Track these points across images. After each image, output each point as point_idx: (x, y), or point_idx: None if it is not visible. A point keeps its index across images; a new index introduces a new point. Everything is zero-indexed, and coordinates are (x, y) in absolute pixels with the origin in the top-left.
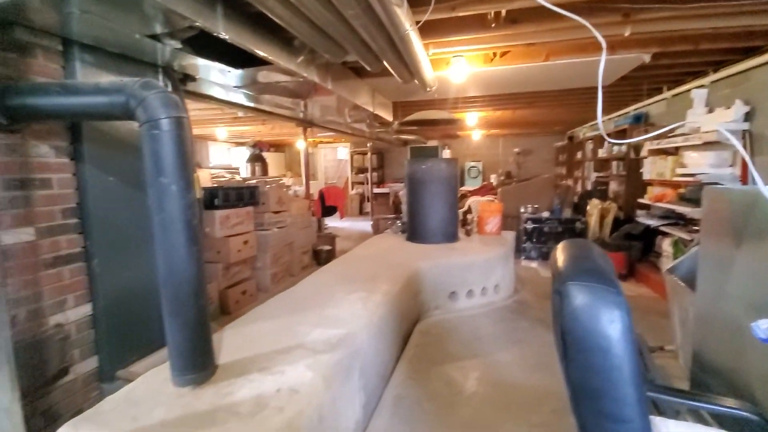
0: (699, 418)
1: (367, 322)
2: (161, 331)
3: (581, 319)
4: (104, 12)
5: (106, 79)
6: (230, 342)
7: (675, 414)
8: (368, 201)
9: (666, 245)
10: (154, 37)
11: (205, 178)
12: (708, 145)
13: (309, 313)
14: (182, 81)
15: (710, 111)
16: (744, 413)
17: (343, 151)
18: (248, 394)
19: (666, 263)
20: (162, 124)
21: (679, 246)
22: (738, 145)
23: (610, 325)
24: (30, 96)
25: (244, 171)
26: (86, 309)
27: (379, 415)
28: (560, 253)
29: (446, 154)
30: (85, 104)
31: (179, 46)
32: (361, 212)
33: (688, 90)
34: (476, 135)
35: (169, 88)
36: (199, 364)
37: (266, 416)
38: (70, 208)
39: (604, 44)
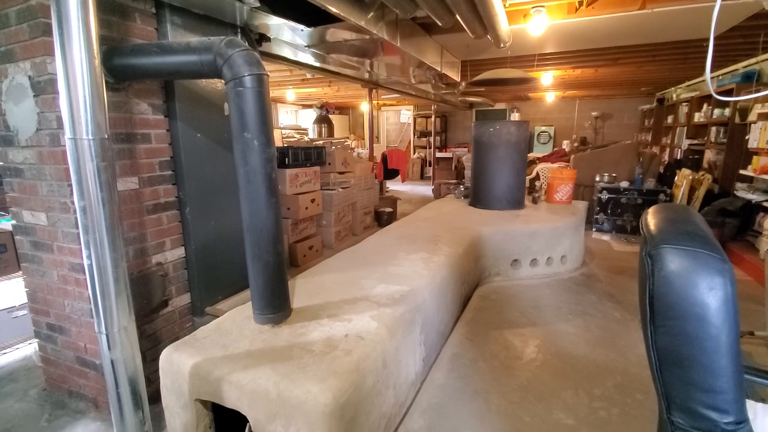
0: None
1: (428, 281)
2: (242, 275)
3: (675, 284)
4: None
5: (194, 39)
6: (302, 290)
7: (760, 400)
8: (430, 165)
9: None
10: None
11: (276, 137)
12: None
13: (373, 270)
14: (257, 42)
15: None
16: None
17: (406, 114)
18: (319, 336)
19: (767, 243)
20: (245, 81)
21: None
22: None
23: (710, 292)
24: (132, 56)
25: (311, 132)
26: (180, 252)
27: (438, 369)
28: (652, 217)
29: (514, 117)
30: (179, 63)
31: (257, 4)
32: (423, 176)
33: None
34: (550, 97)
35: None
36: (277, 305)
37: (336, 356)
38: (166, 161)
39: None
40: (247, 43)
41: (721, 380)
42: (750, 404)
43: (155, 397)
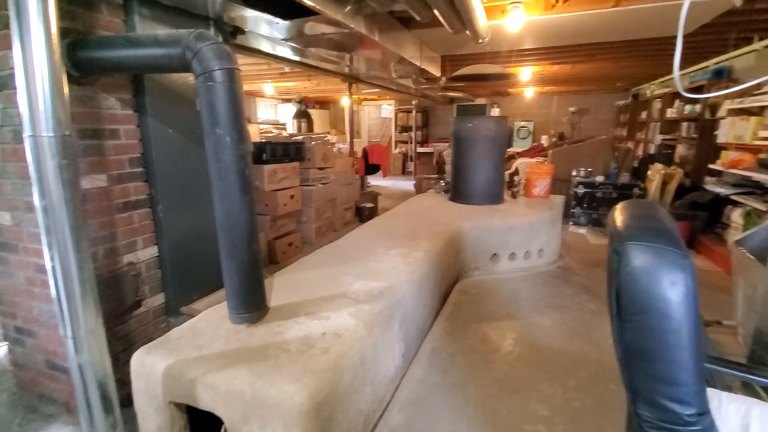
0: (753, 393)
1: (407, 277)
2: (218, 274)
3: (639, 280)
4: None
5: (162, 32)
6: (279, 288)
7: (727, 389)
8: (411, 160)
9: (736, 216)
10: None
11: (253, 133)
12: None
13: (352, 266)
14: (232, 34)
15: None
16: None
17: (387, 109)
18: (296, 334)
19: (734, 235)
20: (216, 76)
21: (752, 217)
22: None
23: (672, 287)
24: (98, 49)
25: (291, 127)
26: (153, 251)
27: (417, 364)
28: (619, 213)
29: (495, 113)
30: (147, 56)
31: None
32: (404, 171)
33: None
34: (529, 93)
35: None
36: (252, 304)
37: (313, 355)
38: (136, 158)
39: None
40: (220, 37)
41: (683, 373)
42: (715, 393)
43: (130, 400)
